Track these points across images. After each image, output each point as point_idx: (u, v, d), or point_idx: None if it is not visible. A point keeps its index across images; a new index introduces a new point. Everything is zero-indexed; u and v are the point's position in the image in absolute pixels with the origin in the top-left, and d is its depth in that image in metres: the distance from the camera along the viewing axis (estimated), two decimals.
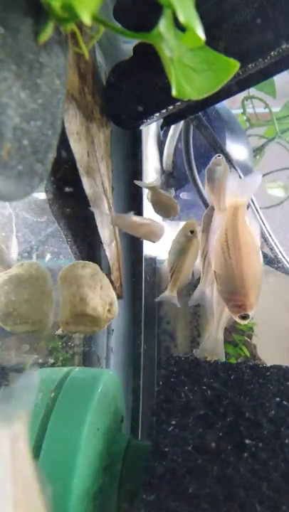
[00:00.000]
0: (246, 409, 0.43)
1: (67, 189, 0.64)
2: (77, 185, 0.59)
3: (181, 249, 0.70)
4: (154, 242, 0.71)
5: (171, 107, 0.57)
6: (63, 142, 0.52)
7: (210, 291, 0.68)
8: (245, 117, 1.17)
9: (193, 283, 0.72)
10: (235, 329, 1.05)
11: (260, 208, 0.80)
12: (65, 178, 0.63)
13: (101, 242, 0.66)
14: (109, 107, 0.65)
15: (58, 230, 0.67)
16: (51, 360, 0.89)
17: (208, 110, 0.91)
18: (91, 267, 0.61)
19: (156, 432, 0.42)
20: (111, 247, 0.70)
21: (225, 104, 0.99)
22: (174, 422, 0.42)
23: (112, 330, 0.82)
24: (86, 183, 0.59)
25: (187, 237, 0.70)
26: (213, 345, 0.65)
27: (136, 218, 0.67)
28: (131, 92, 0.59)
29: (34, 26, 0.28)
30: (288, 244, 0.87)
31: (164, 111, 0.58)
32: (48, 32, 0.29)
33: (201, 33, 0.29)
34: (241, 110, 1.16)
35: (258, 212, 0.80)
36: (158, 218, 0.78)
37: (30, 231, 0.91)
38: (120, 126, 0.67)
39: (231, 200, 0.53)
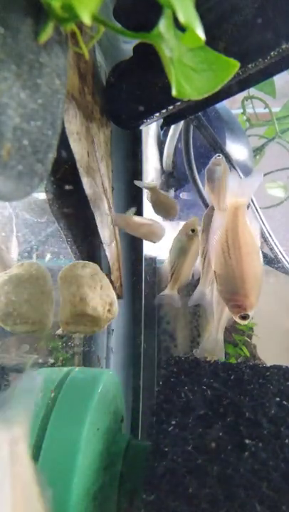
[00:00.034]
0: (246, 409, 0.43)
1: (67, 189, 0.64)
2: (77, 185, 0.59)
3: (182, 248, 0.70)
4: (154, 242, 0.71)
5: (171, 107, 0.57)
6: (63, 142, 0.52)
7: (210, 291, 0.68)
8: (245, 117, 1.17)
9: (193, 283, 0.72)
10: (235, 329, 1.05)
11: (260, 207, 0.80)
12: (65, 178, 0.63)
13: (101, 242, 0.66)
14: (109, 107, 0.65)
15: (58, 230, 0.67)
16: (51, 360, 0.89)
17: (208, 110, 0.91)
18: (91, 267, 0.61)
19: (156, 432, 0.42)
20: (111, 247, 0.70)
21: (225, 104, 0.99)
22: (174, 422, 0.42)
23: (112, 330, 0.82)
24: (86, 183, 0.59)
25: (188, 236, 0.69)
26: (213, 345, 0.65)
27: (137, 218, 0.67)
28: (131, 92, 0.59)
29: (34, 26, 0.28)
30: (288, 245, 0.87)
31: (164, 111, 0.58)
32: (48, 32, 0.29)
33: (201, 33, 0.29)
34: (241, 110, 1.16)
35: (258, 212, 0.80)
36: (158, 219, 0.78)
37: (30, 231, 0.91)
38: (120, 126, 0.67)
39: (232, 200, 0.53)
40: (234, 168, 0.75)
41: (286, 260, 0.84)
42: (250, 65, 0.49)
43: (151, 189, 0.72)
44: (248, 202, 0.54)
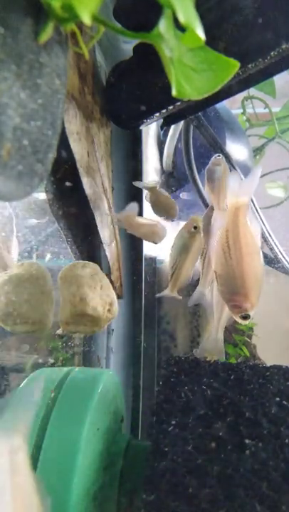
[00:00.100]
0: (246, 409, 0.43)
1: (67, 189, 0.64)
2: (77, 185, 0.59)
3: (184, 245, 0.69)
4: (156, 243, 0.71)
5: (171, 107, 0.57)
6: (63, 142, 0.52)
7: (210, 291, 0.68)
8: (245, 117, 1.17)
9: (193, 283, 0.72)
10: (235, 329, 1.05)
11: (260, 207, 0.80)
12: (65, 178, 0.63)
13: (101, 242, 0.66)
14: (109, 107, 0.65)
15: (58, 230, 0.67)
16: (51, 360, 0.89)
17: (208, 110, 0.91)
18: (91, 267, 0.61)
19: (156, 432, 0.42)
20: (111, 247, 0.70)
21: (225, 104, 0.99)
22: (174, 422, 0.42)
23: (112, 330, 0.82)
24: (86, 183, 0.59)
25: (190, 233, 0.69)
26: (213, 345, 0.65)
27: (139, 218, 0.66)
28: (131, 92, 0.59)
29: (34, 26, 0.28)
30: (288, 245, 0.87)
31: (164, 111, 0.58)
32: (48, 32, 0.29)
33: (201, 33, 0.29)
34: (241, 110, 1.16)
35: (258, 212, 0.80)
36: (158, 219, 0.78)
37: (31, 231, 0.91)
38: (120, 126, 0.67)
39: (232, 201, 0.53)
40: (234, 168, 0.75)
41: (286, 260, 0.84)
42: (250, 65, 0.49)
43: (151, 189, 0.72)
44: (249, 201, 0.54)
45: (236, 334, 1.05)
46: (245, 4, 0.46)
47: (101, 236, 0.66)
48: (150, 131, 0.93)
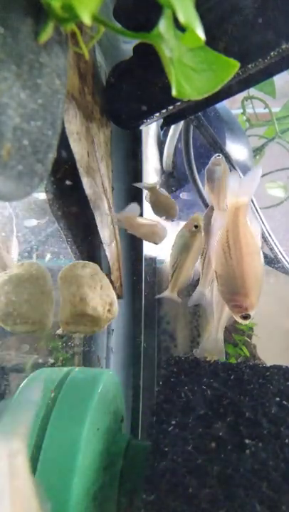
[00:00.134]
0: (246, 409, 0.43)
1: (67, 189, 0.64)
2: (77, 186, 0.59)
3: (185, 244, 0.69)
4: (156, 243, 0.71)
5: (171, 107, 0.57)
6: (63, 142, 0.52)
7: (209, 291, 0.68)
8: (245, 117, 1.17)
9: (193, 283, 0.71)
10: (235, 329, 1.05)
11: (260, 207, 0.80)
12: (65, 178, 0.63)
13: (101, 242, 0.66)
14: (109, 107, 0.65)
15: (58, 230, 0.67)
16: (51, 360, 0.89)
17: (208, 110, 0.91)
18: (91, 267, 0.61)
19: (156, 432, 0.42)
20: (111, 247, 0.70)
21: (225, 104, 0.99)
22: (174, 422, 0.42)
23: (112, 330, 0.82)
24: (86, 183, 0.59)
25: (191, 232, 0.68)
26: (213, 345, 0.65)
27: (140, 219, 0.66)
28: (131, 92, 0.59)
29: (34, 26, 0.28)
30: (288, 245, 0.87)
31: (164, 111, 0.58)
32: (48, 32, 0.29)
33: (201, 33, 0.29)
34: (241, 110, 1.16)
35: (258, 212, 0.80)
36: (158, 220, 0.78)
37: (31, 231, 0.91)
38: (120, 126, 0.67)
39: (232, 201, 0.53)
40: (234, 168, 0.75)
41: (286, 260, 0.84)
42: (250, 65, 0.49)
43: (151, 189, 0.72)
44: (249, 201, 0.54)
45: (236, 334, 1.05)
46: (245, 4, 0.46)
47: (101, 236, 0.66)
48: (150, 131, 0.93)
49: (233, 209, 0.53)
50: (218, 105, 0.92)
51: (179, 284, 0.71)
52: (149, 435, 0.43)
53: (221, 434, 0.40)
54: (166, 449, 0.40)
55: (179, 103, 0.56)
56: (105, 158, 0.67)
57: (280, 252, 0.83)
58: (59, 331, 0.60)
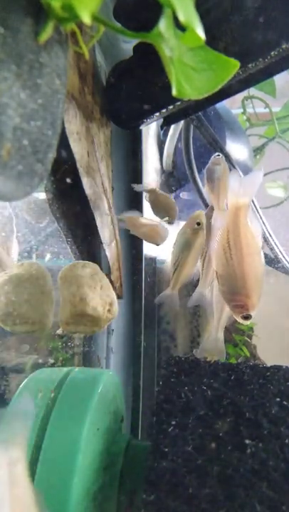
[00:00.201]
0: (246, 409, 0.43)
1: (67, 189, 0.64)
2: (77, 185, 0.59)
3: (187, 242, 0.68)
4: (157, 244, 0.70)
5: (171, 107, 0.57)
6: (63, 142, 0.52)
7: (209, 292, 0.67)
8: (245, 117, 1.17)
9: (193, 283, 0.71)
10: (236, 329, 1.05)
11: (260, 207, 0.80)
12: (65, 178, 0.63)
13: (101, 242, 0.66)
14: (109, 107, 0.65)
15: (58, 230, 0.67)
16: (51, 360, 0.89)
17: (208, 110, 0.91)
18: (91, 267, 0.61)
19: (156, 432, 0.42)
20: (111, 247, 0.70)
21: (225, 104, 0.99)
22: (174, 422, 0.42)
23: (112, 330, 0.82)
24: (86, 183, 0.59)
25: (193, 230, 0.67)
26: (213, 345, 0.65)
27: (142, 219, 0.66)
28: (131, 92, 0.59)
29: (34, 26, 0.28)
30: (288, 245, 0.87)
31: (164, 111, 0.58)
32: (48, 32, 0.29)
33: (201, 33, 0.29)
34: (241, 110, 1.16)
35: (258, 212, 0.80)
36: (158, 221, 0.77)
37: (31, 231, 0.91)
38: (120, 126, 0.67)
39: (233, 201, 0.53)
40: (234, 167, 0.75)
41: (286, 260, 0.84)
42: (250, 65, 0.49)
43: (150, 190, 0.72)
44: (250, 202, 0.54)
45: (236, 334, 1.05)
46: (245, 4, 0.46)
47: (101, 236, 0.66)
48: (150, 131, 0.93)
49: (234, 209, 0.53)
50: (218, 105, 0.93)
51: (181, 282, 0.70)
52: (149, 435, 0.43)
53: (221, 434, 0.40)
54: (166, 449, 0.40)
55: (179, 103, 0.56)
56: (105, 158, 0.67)
57: (280, 252, 0.83)
58: (59, 331, 0.60)
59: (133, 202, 0.84)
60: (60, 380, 0.50)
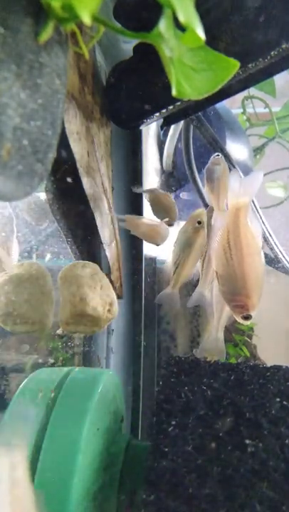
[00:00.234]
0: (246, 409, 0.43)
1: (67, 189, 0.64)
2: (77, 186, 0.59)
3: (188, 241, 0.67)
4: (158, 245, 0.70)
5: (171, 107, 0.57)
6: (63, 142, 0.52)
7: (209, 291, 0.67)
8: (245, 117, 1.17)
9: (193, 283, 0.71)
10: (236, 329, 1.05)
11: (260, 207, 0.80)
12: (65, 178, 0.63)
13: (101, 242, 0.66)
14: (110, 107, 0.65)
15: (58, 230, 0.67)
16: (51, 360, 0.89)
17: (208, 110, 0.91)
18: (91, 267, 0.61)
19: (156, 432, 0.42)
20: (111, 247, 0.70)
21: (225, 104, 0.99)
22: (174, 422, 0.42)
23: (112, 330, 0.82)
24: (86, 183, 0.59)
25: (194, 228, 0.67)
26: (213, 345, 0.65)
27: (143, 219, 0.66)
28: (131, 92, 0.59)
29: (34, 26, 0.28)
30: (288, 244, 0.87)
31: (164, 111, 0.58)
32: (48, 32, 0.29)
33: (201, 33, 0.29)
34: (241, 110, 1.16)
35: (258, 212, 0.80)
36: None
37: (31, 231, 0.91)
38: (120, 126, 0.67)
39: (233, 201, 0.53)
40: (234, 167, 0.75)
41: (286, 260, 0.84)
42: (250, 65, 0.49)
43: (150, 190, 0.72)
44: (250, 202, 0.54)
45: (236, 334, 1.05)
46: (245, 4, 0.46)
47: (101, 236, 0.66)
48: (150, 131, 0.93)
49: (234, 209, 0.53)
50: (218, 105, 0.93)
51: (181, 281, 0.70)
52: (149, 435, 0.43)
53: (221, 434, 0.40)
54: (166, 449, 0.40)
55: (179, 103, 0.56)
56: (105, 158, 0.67)
57: (280, 251, 0.83)
58: (59, 331, 0.60)
59: (133, 202, 0.84)
60: (60, 380, 0.50)
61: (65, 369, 0.53)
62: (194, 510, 0.35)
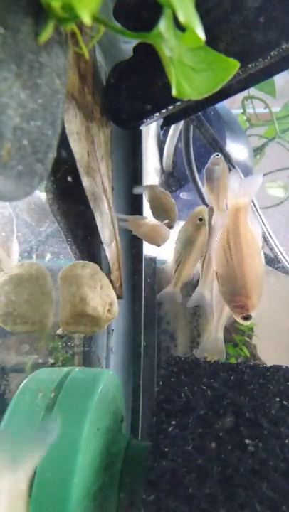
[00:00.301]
0: (246, 409, 0.43)
1: (67, 189, 0.64)
2: (77, 186, 0.59)
3: (189, 239, 0.67)
4: (159, 245, 0.70)
5: (171, 107, 0.57)
6: (63, 142, 0.52)
7: (209, 292, 0.67)
8: (245, 117, 1.17)
9: (193, 283, 0.71)
10: (236, 329, 1.05)
11: (260, 207, 0.80)
12: (65, 178, 0.63)
13: (101, 242, 0.66)
14: (110, 107, 0.65)
15: (58, 230, 0.67)
16: (51, 360, 0.89)
17: (208, 110, 0.91)
18: (91, 267, 0.61)
19: (156, 432, 0.42)
20: (111, 247, 0.70)
21: (225, 104, 0.99)
22: (174, 422, 0.42)
23: (112, 330, 0.82)
24: (86, 183, 0.59)
25: (196, 226, 0.66)
26: (213, 345, 0.65)
27: (144, 219, 0.66)
28: (131, 92, 0.59)
29: (34, 26, 0.28)
30: (288, 245, 0.87)
31: (164, 111, 0.58)
32: (48, 32, 0.29)
33: (201, 33, 0.29)
34: (241, 110, 1.16)
35: (258, 212, 0.80)
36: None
37: (31, 231, 0.91)
38: (120, 126, 0.67)
39: (233, 201, 0.53)
40: (234, 168, 0.75)
41: (286, 260, 0.84)
42: (250, 65, 0.49)
43: (150, 187, 0.71)
44: (250, 202, 0.54)
45: (236, 334, 1.05)
46: (245, 4, 0.46)
47: (101, 236, 0.66)
48: (150, 131, 0.93)
49: (234, 210, 0.53)
50: (218, 105, 0.93)
51: (183, 279, 0.70)
52: (149, 435, 0.43)
53: (221, 434, 0.40)
54: (166, 449, 0.40)
55: (179, 103, 0.56)
56: (105, 158, 0.67)
57: (280, 252, 0.83)
58: (59, 331, 0.60)
59: (133, 202, 0.84)
60: (60, 380, 0.50)
61: (65, 369, 0.53)
62: (194, 510, 0.35)
